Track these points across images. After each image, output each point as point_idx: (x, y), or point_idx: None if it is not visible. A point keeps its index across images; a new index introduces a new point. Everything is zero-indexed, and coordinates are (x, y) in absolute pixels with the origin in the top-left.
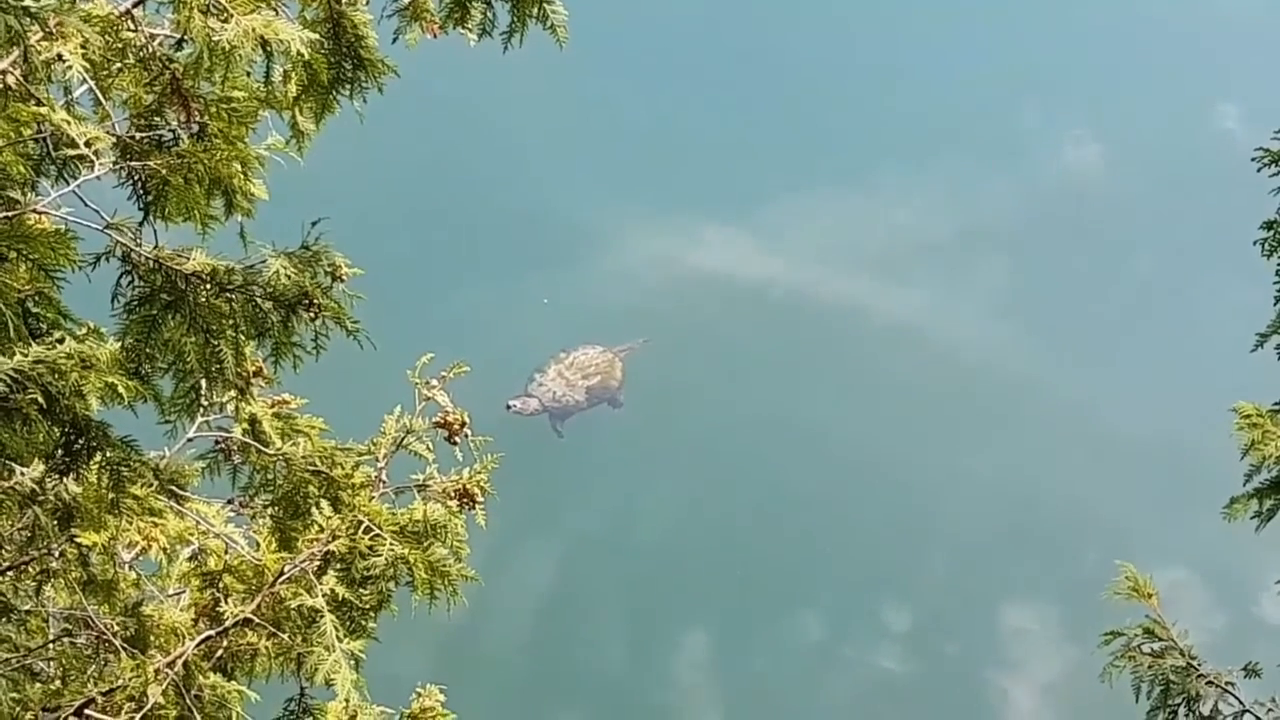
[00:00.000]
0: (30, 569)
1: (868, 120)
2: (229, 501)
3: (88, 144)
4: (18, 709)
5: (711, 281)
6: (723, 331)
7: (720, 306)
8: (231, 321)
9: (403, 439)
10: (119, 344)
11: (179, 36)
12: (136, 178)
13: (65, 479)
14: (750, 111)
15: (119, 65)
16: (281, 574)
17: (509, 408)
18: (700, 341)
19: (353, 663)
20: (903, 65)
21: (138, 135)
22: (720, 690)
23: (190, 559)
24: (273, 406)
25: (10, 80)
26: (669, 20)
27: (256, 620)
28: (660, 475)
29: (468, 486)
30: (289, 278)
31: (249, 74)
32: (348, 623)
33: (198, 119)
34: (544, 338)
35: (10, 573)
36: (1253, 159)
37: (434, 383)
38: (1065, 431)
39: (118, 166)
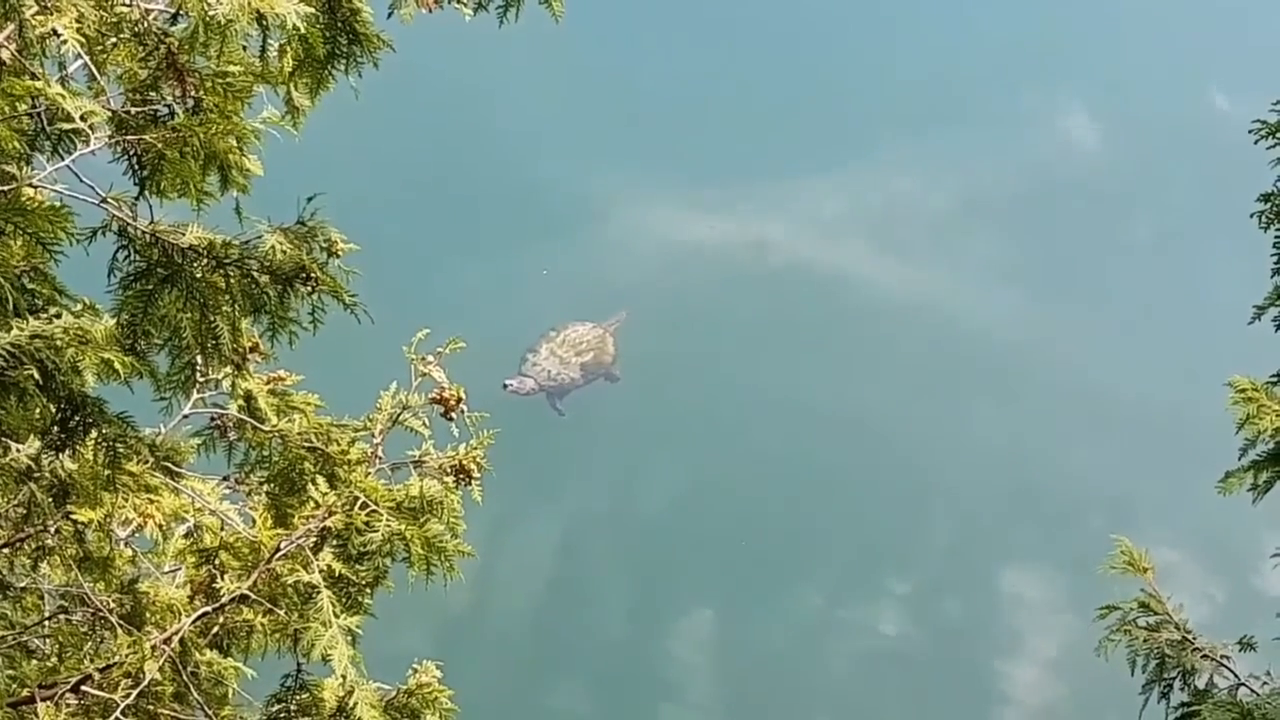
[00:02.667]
0: (26, 545)
1: (867, 91)
2: (225, 478)
3: (83, 118)
4: (14, 685)
5: (709, 253)
6: (721, 303)
7: (718, 278)
8: (228, 296)
9: (399, 415)
10: (115, 320)
11: (174, 11)
12: (132, 152)
13: (61, 455)
14: (747, 82)
15: (114, 40)
16: (278, 550)
17: (505, 387)
18: (699, 314)
19: (349, 638)
20: (902, 37)
21: (133, 110)
22: (723, 663)
23: (186, 536)
24: (268, 383)
25: (5, 55)
26: None
27: (253, 596)
28: (660, 449)
29: (464, 462)
30: (285, 253)
31: (244, 48)
32: (344, 599)
33: (193, 93)
34: (541, 312)
35: (6, 549)
36: (1250, 131)
37: (430, 359)
38: (1065, 400)
39: (113, 141)
